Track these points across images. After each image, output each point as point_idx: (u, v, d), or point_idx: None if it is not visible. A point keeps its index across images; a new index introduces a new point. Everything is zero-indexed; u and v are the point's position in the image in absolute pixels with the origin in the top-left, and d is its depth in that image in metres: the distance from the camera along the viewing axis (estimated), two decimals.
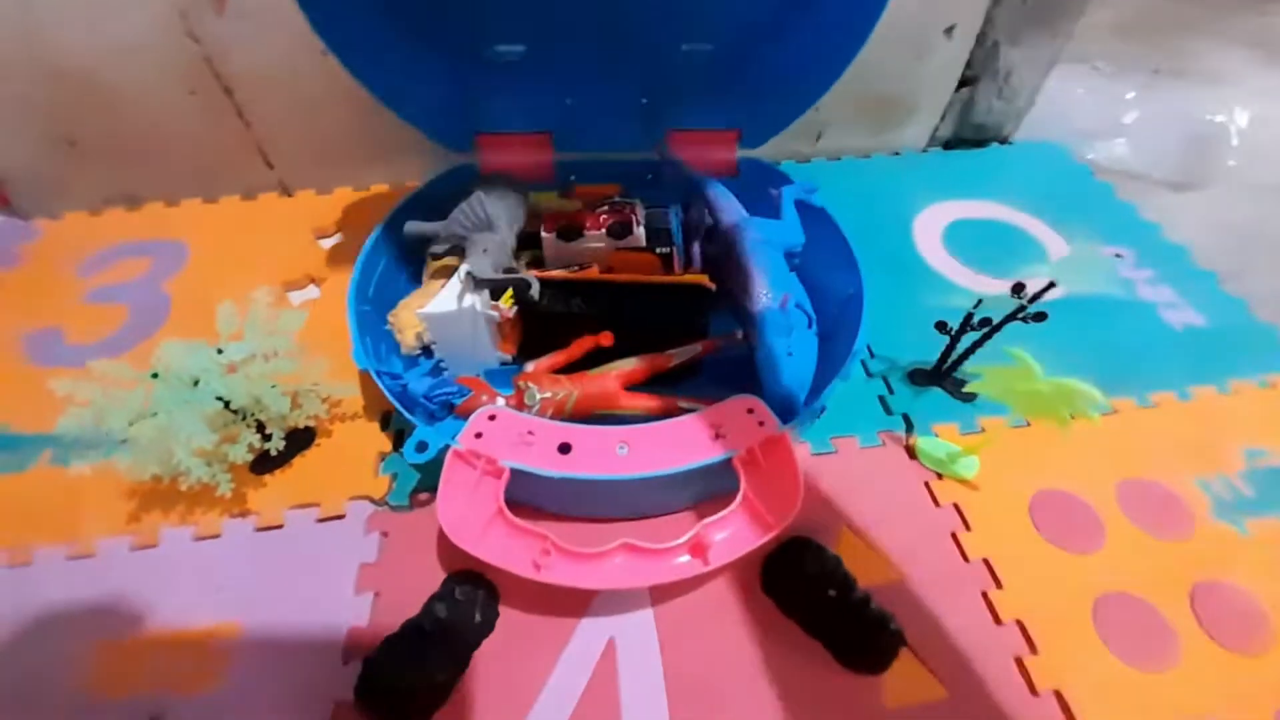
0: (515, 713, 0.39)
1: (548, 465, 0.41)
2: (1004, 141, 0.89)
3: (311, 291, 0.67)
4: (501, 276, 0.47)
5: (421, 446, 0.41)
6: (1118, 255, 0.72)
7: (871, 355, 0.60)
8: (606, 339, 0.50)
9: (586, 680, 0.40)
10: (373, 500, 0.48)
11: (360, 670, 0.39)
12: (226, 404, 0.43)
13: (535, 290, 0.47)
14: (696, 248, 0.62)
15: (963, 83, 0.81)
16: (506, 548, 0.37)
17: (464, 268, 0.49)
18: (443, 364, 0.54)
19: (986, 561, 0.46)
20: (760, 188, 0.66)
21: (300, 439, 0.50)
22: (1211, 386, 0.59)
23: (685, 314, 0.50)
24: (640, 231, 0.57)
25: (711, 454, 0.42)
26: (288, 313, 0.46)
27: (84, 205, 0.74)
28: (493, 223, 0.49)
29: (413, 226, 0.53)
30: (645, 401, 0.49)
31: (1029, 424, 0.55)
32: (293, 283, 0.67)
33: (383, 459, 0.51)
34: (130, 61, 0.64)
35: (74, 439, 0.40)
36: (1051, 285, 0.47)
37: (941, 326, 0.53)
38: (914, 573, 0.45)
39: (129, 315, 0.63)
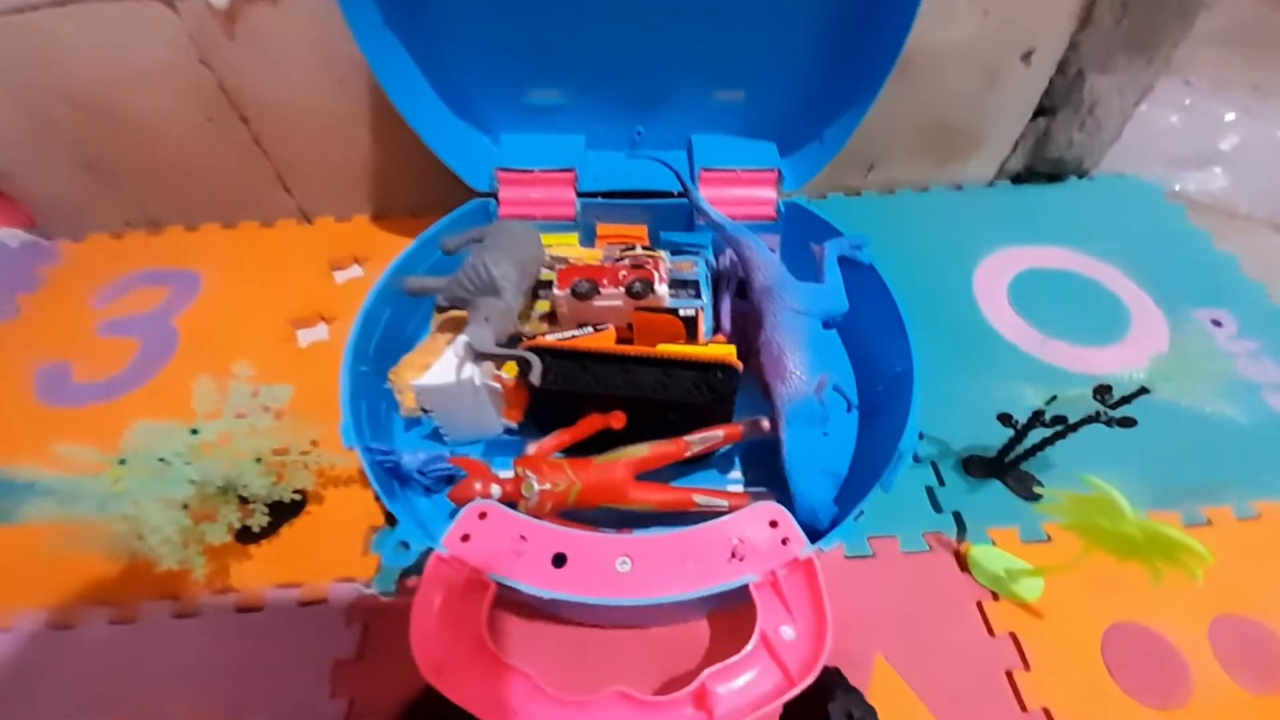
0: None
1: (538, 581, 0.36)
2: (1083, 175, 0.79)
3: (321, 331, 0.64)
4: (501, 352, 0.43)
5: (401, 547, 0.37)
6: (1215, 323, 0.62)
7: (921, 437, 0.53)
8: (617, 420, 0.45)
9: None
10: (359, 583, 0.45)
11: None
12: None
13: (535, 375, 0.42)
14: (727, 303, 0.56)
15: (1039, 112, 0.72)
16: (485, 687, 0.33)
17: (463, 338, 0.45)
18: (442, 431, 0.50)
19: (1048, 713, 0.39)
20: (801, 235, 0.60)
21: (288, 509, 0.47)
22: None
23: (707, 396, 0.44)
24: (663, 290, 0.51)
25: (726, 578, 0.36)
26: (270, 387, 0.43)
27: (106, 228, 0.74)
28: (498, 286, 0.45)
29: (414, 283, 0.49)
30: (657, 495, 0.43)
31: None
32: (302, 320, 0.64)
33: (374, 533, 0.48)
34: (145, 89, 0.62)
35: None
36: (1144, 392, 0.39)
37: (1006, 419, 0.46)
38: None
39: (139, 351, 0.61)
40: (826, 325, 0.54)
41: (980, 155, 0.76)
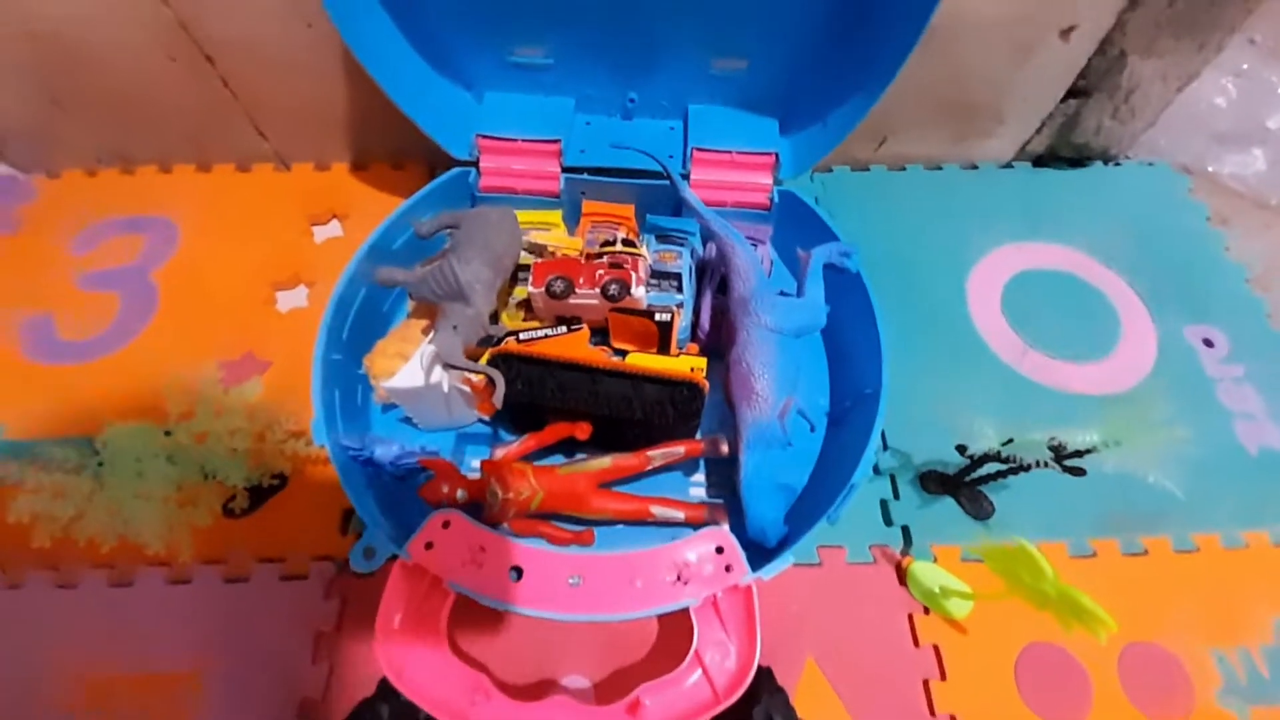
0: None
1: (495, 593, 0.39)
2: (1109, 161, 0.74)
3: (300, 296, 0.63)
4: (467, 365, 0.43)
5: (369, 553, 0.40)
6: (1207, 343, 0.61)
7: (885, 447, 0.54)
8: (582, 431, 0.46)
9: None
10: (335, 561, 0.48)
11: None
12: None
13: (498, 396, 0.43)
14: (708, 300, 0.55)
15: (1071, 93, 0.66)
16: (441, 682, 0.37)
17: (430, 347, 0.45)
18: (415, 421, 0.51)
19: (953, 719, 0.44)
20: (794, 228, 0.58)
21: (268, 491, 0.49)
22: (1266, 532, 0.51)
23: (672, 414, 0.45)
24: (640, 292, 0.50)
25: (669, 600, 0.39)
26: (239, 388, 0.44)
27: (79, 164, 0.71)
28: (465, 292, 0.44)
29: (384, 275, 0.48)
30: (616, 504, 0.45)
31: None
32: (281, 283, 0.63)
33: (350, 514, 0.50)
34: (101, 25, 0.57)
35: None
36: (1090, 451, 0.40)
37: (962, 450, 0.47)
38: None
39: (119, 307, 0.61)
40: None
41: (1001, 134, 0.71)
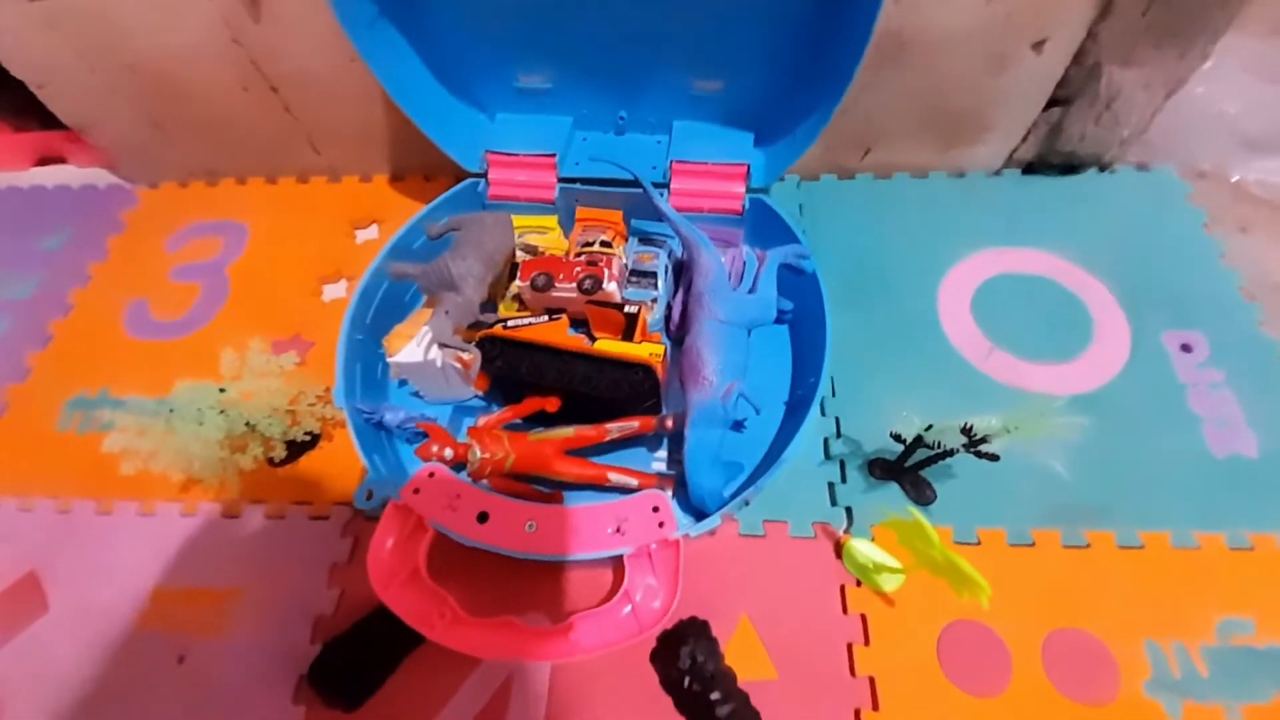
0: (423, 715, 0.48)
1: (466, 532, 0.47)
2: (1105, 167, 0.74)
3: (340, 288, 0.74)
4: (455, 343, 0.51)
5: (368, 494, 0.49)
6: (1184, 348, 0.61)
7: (838, 435, 0.59)
8: (552, 404, 0.53)
9: (482, 706, 0.48)
10: (351, 507, 0.58)
11: (318, 654, 0.50)
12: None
13: (474, 369, 0.51)
14: (679, 299, 0.61)
15: (1053, 101, 0.68)
16: (416, 602, 0.45)
17: (427, 327, 0.53)
18: (420, 394, 0.60)
19: (872, 680, 0.48)
20: (762, 230, 0.63)
21: (303, 446, 0.59)
22: (1223, 535, 0.52)
23: (629, 392, 0.52)
24: (612, 286, 0.57)
25: (608, 548, 0.46)
26: (278, 357, 0.54)
27: (174, 177, 0.86)
28: (456, 284, 0.52)
29: (397, 270, 0.57)
30: (577, 469, 0.52)
31: (980, 543, 0.53)
32: (327, 276, 0.75)
33: (366, 471, 0.60)
34: (190, 61, 0.70)
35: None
36: (985, 440, 0.43)
37: (896, 438, 0.51)
38: (793, 677, 0.48)
39: (199, 295, 0.74)
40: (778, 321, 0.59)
41: (987, 142, 0.73)
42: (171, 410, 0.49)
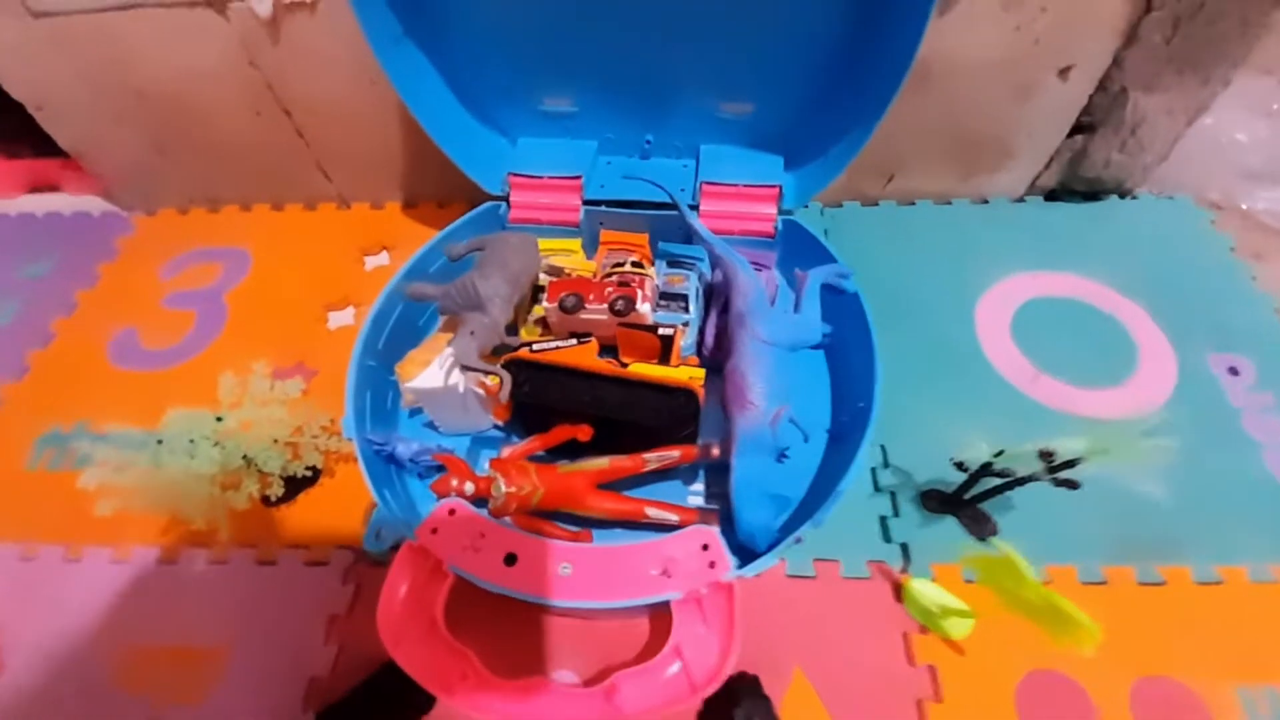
0: None
1: (491, 577, 0.41)
2: (1125, 194, 0.74)
3: (348, 315, 0.70)
4: (481, 365, 0.47)
5: (378, 534, 0.44)
6: (1232, 371, 0.59)
7: (886, 465, 0.55)
8: (584, 434, 0.49)
9: None
10: (354, 550, 0.52)
11: None
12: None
13: (504, 391, 0.47)
14: (713, 319, 0.58)
15: (1077, 129, 0.68)
16: (433, 660, 0.39)
17: (450, 350, 0.49)
18: (436, 424, 0.56)
19: None
20: (797, 254, 0.61)
21: (302, 482, 0.54)
22: None
23: (665, 420, 0.48)
24: (645, 308, 0.54)
25: (653, 593, 0.41)
26: (283, 383, 0.49)
27: (173, 204, 0.82)
28: (484, 303, 0.49)
29: (415, 290, 0.53)
30: (612, 504, 0.48)
31: (1051, 580, 0.48)
32: (333, 304, 0.71)
33: (373, 508, 0.54)
34: (202, 85, 0.68)
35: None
36: (1075, 463, 0.40)
37: (960, 466, 0.47)
38: None
39: (195, 322, 0.70)
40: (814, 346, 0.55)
41: (1010, 169, 0.73)
42: (160, 441, 0.44)
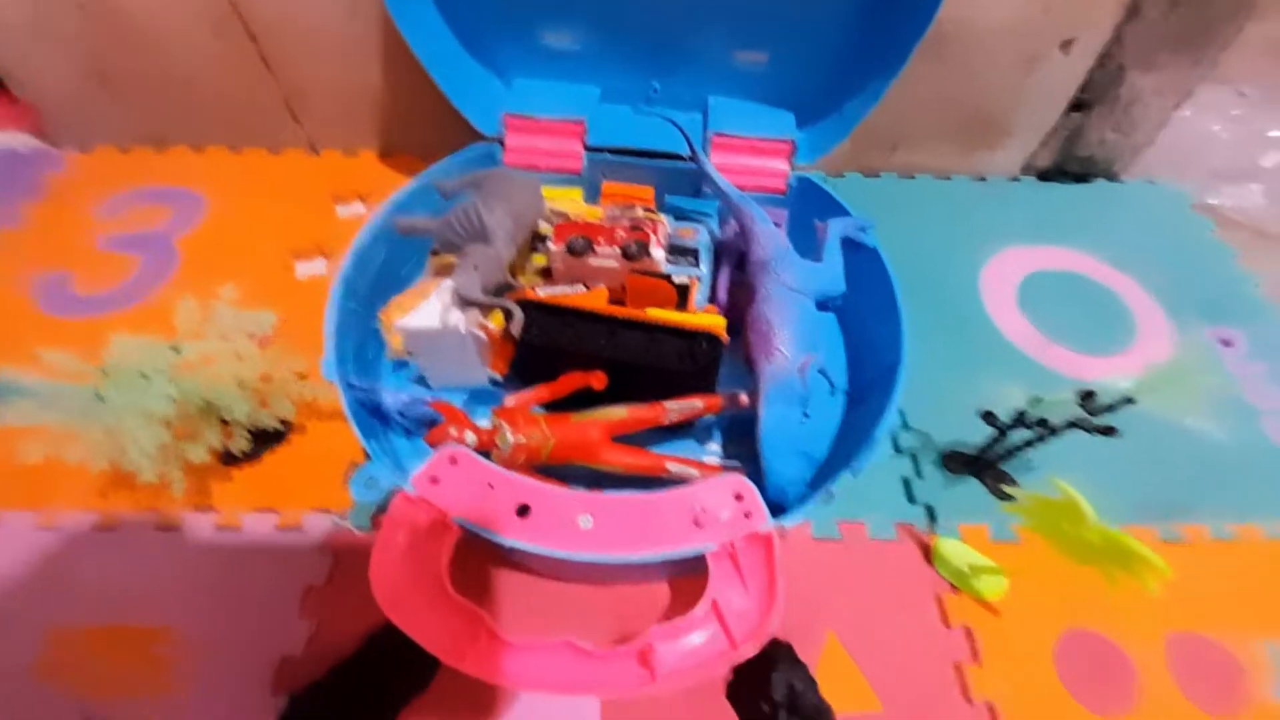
0: None
1: (502, 529, 0.37)
2: (1113, 178, 0.76)
3: (318, 265, 0.63)
4: (486, 300, 0.43)
5: (370, 483, 0.38)
6: (1225, 343, 0.60)
7: (906, 427, 0.53)
8: (598, 381, 0.45)
9: None
10: (333, 515, 0.46)
11: (283, 711, 0.37)
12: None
13: (516, 325, 0.42)
14: (725, 275, 0.55)
15: (1074, 106, 0.69)
16: (439, 623, 0.34)
17: (450, 283, 0.44)
18: (426, 375, 0.50)
19: (991, 708, 0.40)
20: (810, 212, 0.59)
21: (270, 437, 0.47)
22: None
23: (690, 364, 0.44)
24: (659, 254, 0.50)
25: (684, 544, 0.37)
26: (254, 314, 0.43)
27: (113, 141, 0.73)
28: (488, 234, 0.44)
29: (406, 223, 0.48)
30: (629, 458, 0.44)
31: None
32: (301, 253, 0.64)
33: (354, 469, 0.48)
34: None
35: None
36: (1128, 402, 0.38)
37: (989, 418, 0.45)
38: (900, 707, 0.40)
39: (139, 267, 0.61)
40: (823, 307, 0.53)
41: (1008, 146, 0.73)
42: (104, 372, 0.37)
